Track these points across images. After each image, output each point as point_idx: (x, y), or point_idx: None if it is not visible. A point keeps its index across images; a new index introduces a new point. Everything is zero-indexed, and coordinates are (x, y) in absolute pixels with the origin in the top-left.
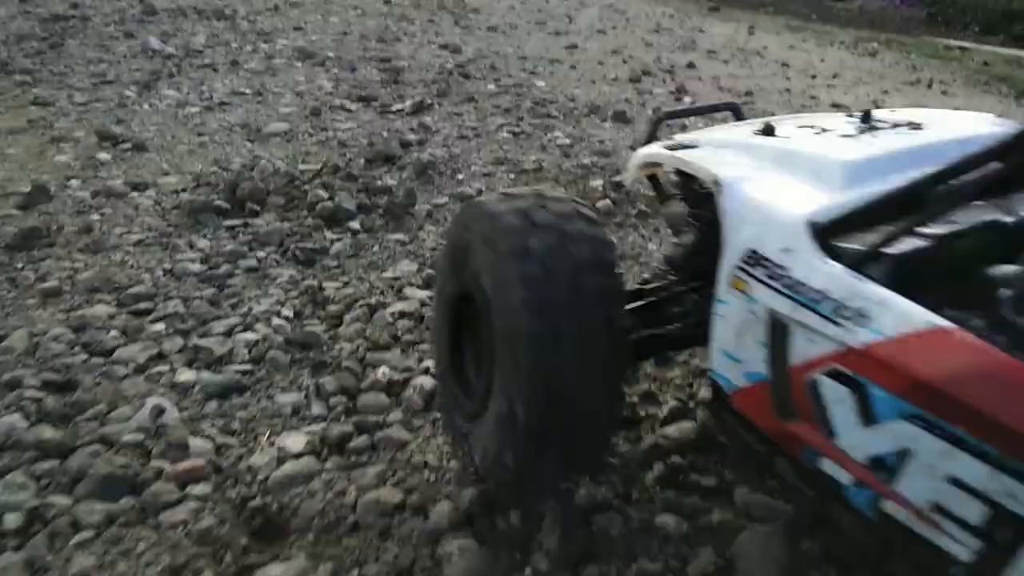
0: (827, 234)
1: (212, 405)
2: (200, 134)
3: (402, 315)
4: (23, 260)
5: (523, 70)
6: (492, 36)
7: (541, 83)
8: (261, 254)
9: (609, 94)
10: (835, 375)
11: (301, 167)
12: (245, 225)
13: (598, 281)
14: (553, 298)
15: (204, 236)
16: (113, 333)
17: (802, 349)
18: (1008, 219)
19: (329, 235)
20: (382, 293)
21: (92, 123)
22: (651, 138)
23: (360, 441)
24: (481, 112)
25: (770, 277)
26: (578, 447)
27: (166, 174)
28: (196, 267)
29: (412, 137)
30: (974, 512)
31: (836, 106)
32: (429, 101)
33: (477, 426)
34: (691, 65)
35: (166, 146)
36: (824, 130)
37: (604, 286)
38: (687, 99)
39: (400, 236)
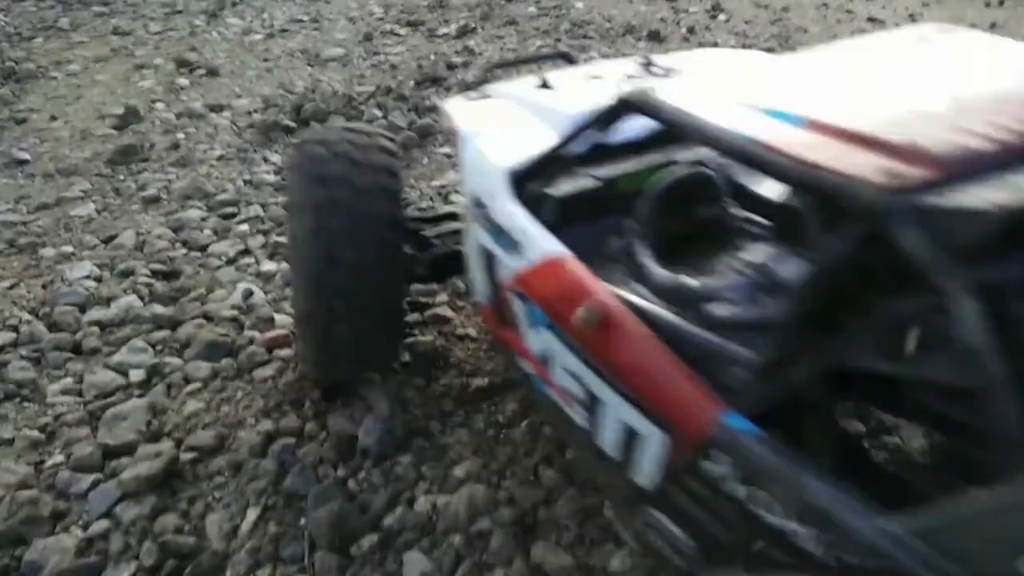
0: (521, 181)
1: (290, 289)
2: (265, 59)
3: None
4: (124, 173)
5: None
6: None
7: (580, 4)
8: None
9: (645, 14)
10: (515, 293)
11: (357, 89)
12: None
13: (379, 207)
14: (336, 224)
15: (275, 151)
16: (207, 232)
17: (501, 274)
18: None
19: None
20: (431, 199)
21: (168, 51)
22: (481, 86)
23: (413, 317)
24: (522, 34)
25: (483, 218)
26: (363, 352)
27: (239, 97)
28: (271, 178)
29: (457, 60)
30: (579, 391)
31: (872, 20)
32: (473, 25)
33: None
34: None
35: (236, 71)
36: (600, 78)
37: (384, 211)
38: (722, 17)
39: (446, 150)
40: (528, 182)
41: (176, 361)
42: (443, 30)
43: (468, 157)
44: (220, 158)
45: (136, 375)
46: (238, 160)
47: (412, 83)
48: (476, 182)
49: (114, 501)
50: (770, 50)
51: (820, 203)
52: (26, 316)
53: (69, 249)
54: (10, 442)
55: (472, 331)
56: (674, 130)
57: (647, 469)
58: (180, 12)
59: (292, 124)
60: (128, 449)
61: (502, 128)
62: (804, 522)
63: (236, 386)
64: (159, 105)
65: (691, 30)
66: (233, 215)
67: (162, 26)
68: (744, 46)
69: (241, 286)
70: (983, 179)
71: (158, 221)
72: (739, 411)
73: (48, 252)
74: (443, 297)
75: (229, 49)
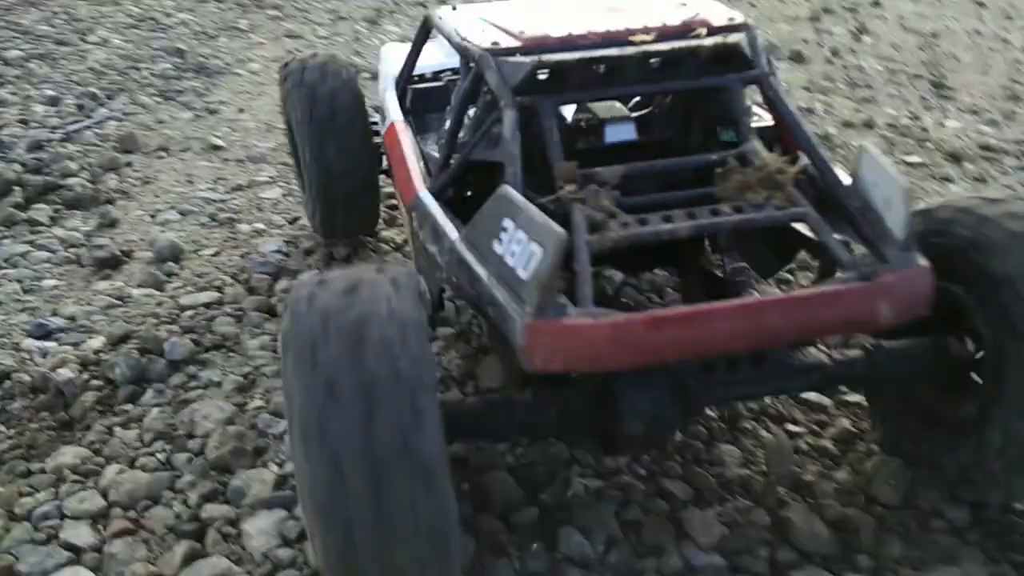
0: (398, 82)
1: None
2: None
3: None
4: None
5: None
6: None
7: None
8: None
9: (786, 33)
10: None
11: None
12: None
13: (345, 98)
14: (319, 114)
15: None
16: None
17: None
18: None
19: None
20: None
21: (337, 53)
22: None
23: None
24: None
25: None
26: (351, 214)
27: None
28: None
29: None
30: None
31: None
32: None
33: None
34: (875, 3)
35: None
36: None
37: (349, 103)
38: (867, 40)
39: None
40: (403, 82)
41: None
42: None
43: (380, 69)
44: None
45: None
46: None
47: None
48: (382, 86)
49: None
50: (918, 77)
51: (465, 63)
52: (228, 280)
53: (261, 226)
54: (219, 384)
55: None
56: (439, 32)
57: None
58: (344, 18)
59: None
60: None
61: (403, 49)
62: (439, 247)
63: None
64: None
65: (835, 52)
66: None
67: (329, 31)
68: (890, 71)
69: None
70: (549, 50)
71: None
72: (431, 191)
73: (244, 227)
74: None
75: None
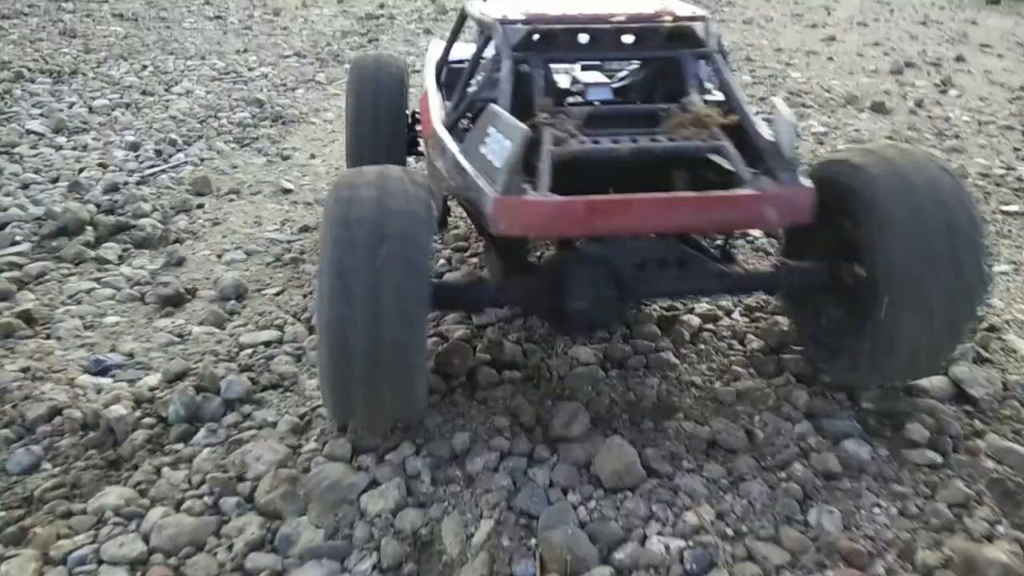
0: (438, 65)
1: (518, 321)
2: None
3: None
4: None
5: (778, 62)
6: (747, 28)
7: (796, 74)
8: None
9: (867, 85)
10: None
11: None
12: None
13: (390, 80)
14: (370, 90)
15: None
16: (440, 262)
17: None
18: None
19: None
20: None
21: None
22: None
23: (636, 360)
24: None
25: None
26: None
27: None
28: None
29: None
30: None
31: None
32: None
33: None
34: (960, 58)
35: None
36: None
37: (392, 83)
38: (953, 92)
39: None
40: (440, 63)
41: None
42: None
43: (426, 57)
44: None
45: None
46: None
47: None
48: (424, 68)
49: (361, 491)
50: (1008, 128)
51: (481, 31)
52: (289, 319)
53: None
54: (273, 425)
55: (697, 379)
56: (469, 15)
57: None
58: (418, 72)
59: None
60: (373, 448)
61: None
62: (444, 159)
63: (470, 403)
64: None
65: (919, 104)
66: (464, 248)
67: None
68: (979, 122)
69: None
70: (544, 22)
71: None
72: (444, 125)
73: (308, 268)
74: (666, 343)
75: None
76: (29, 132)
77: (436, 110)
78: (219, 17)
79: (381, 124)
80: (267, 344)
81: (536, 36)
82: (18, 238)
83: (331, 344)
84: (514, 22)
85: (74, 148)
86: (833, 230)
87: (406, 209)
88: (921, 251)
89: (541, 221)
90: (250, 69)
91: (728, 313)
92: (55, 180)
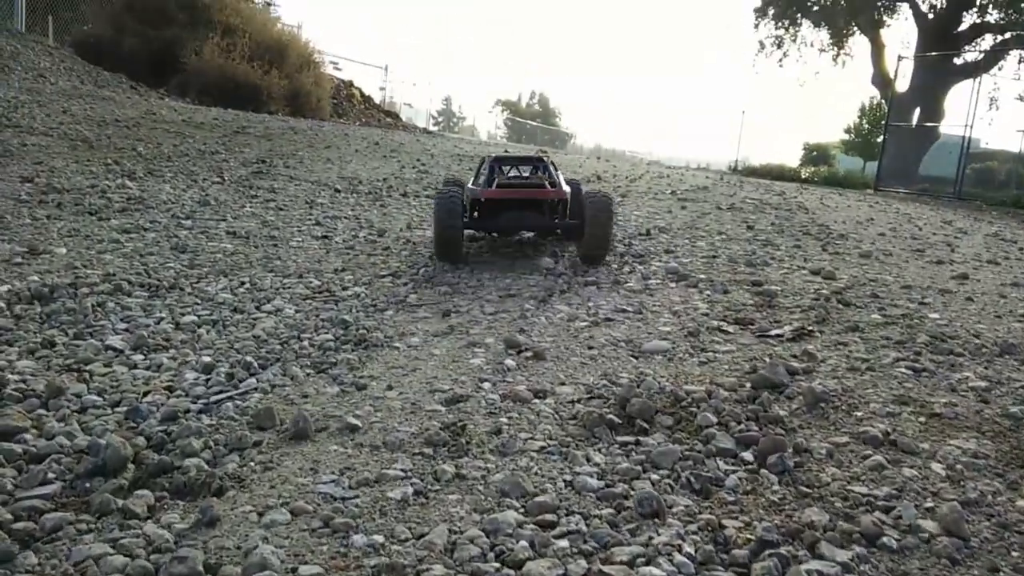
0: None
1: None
2: (590, 347)
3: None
4: (444, 455)
5: (910, 300)
6: (866, 263)
7: (935, 315)
8: (655, 476)
9: (1020, 331)
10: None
11: (686, 387)
12: (637, 443)
13: (452, 201)
14: (443, 204)
15: (599, 450)
16: (522, 543)
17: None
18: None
19: (722, 464)
20: (791, 542)
21: (500, 332)
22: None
23: None
24: (869, 343)
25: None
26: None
27: (562, 383)
28: (594, 482)
29: (797, 365)
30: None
31: None
32: (809, 328)
33: None
34: None
35: (561, 356)
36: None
37: (454, 204)
38: None
39: (800, 475)
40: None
41: None
42: (776, 331)
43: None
44: (541, 450)
45: None
46: (560, 456)
47: (748, 387)
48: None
49: None
50: None
51: (483, 160)
52: None
53: (379, 539)
54: None
55: None
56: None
57: None
58: (513, 296)
59: (617, 420)
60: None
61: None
62: (467, 191)
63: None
64: (486, 385)
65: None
66: (552, 524)
67: (496, 308)
68: None
69: None
70: (502, 161)
71: (472, 519)
72: (471, 185)
73: (358, 540)
74: None
75: (555, 334)
76: (108, 348)
77: (471, 182)
78: (325, 237)
79: (450, 219)
80: None
81: (498, 163)
82: (51, 475)
83: (436, 235)
84: (495, 157)
85: (147, 368)
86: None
87: (454, 195)
88: None
89: (490, 196)
90: (344, 288)
91: None
92: (116, 404)
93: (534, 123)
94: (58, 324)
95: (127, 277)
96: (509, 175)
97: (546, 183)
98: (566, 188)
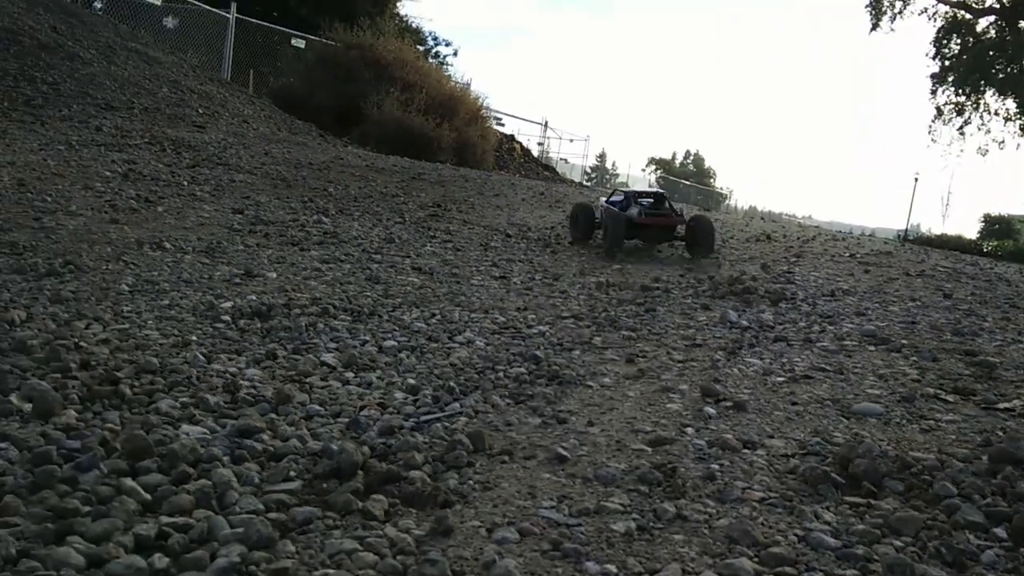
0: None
1: None
2: (793, 403)
3: None
4: (660, 494)
5: None
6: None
7: None
8: (897, 543)
9: None
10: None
11: (912, 454)
12: (868, 505)
13: (588, 210)
14: (580, 211)
15: (827, 508)
16: None
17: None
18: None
19: (972, 538)
20: None
21: (692, 379)
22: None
23: None
24: None
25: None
26: (586, 234)
27: (770, 436)
28: (831, 540)
29: None
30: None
31: None
32: None
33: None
34: None
35: (763, 409)
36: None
37: (588, 210)
38: None
39: None
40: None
41: None
42: (1004, 404)
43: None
44: (762, 501)
45: None
46: (784, 509)
47: (985, 459)
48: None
49: None
50: None
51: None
52: None
53: (612, 569)
54: None
55: None
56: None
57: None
58: (699, 346)
59: (841, 480)
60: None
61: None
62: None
63: None
64: (689, 430)
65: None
66: None
67: (684, 356)
68: None
69: None
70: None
71: (704, 562)
72: (603, 205)
73: (592, 567)
74: None
75: (752, 387)
76: (322, 364)
77: (602, 205)
78: (503, 278)
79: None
80: None
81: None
82: (292, 473)
83: (610, 238)
84: (623, 189)
85: (359, 384)
86: None
87: (589, 207)
88: None
89: (643, 222)
90: (528, 326)
91: None
92: (337, 415)
93: (687, 183)
94: (277, 339)
95: (331, 302)
96: (642, 202)
97: (673, 213)
98: (685, 216)
